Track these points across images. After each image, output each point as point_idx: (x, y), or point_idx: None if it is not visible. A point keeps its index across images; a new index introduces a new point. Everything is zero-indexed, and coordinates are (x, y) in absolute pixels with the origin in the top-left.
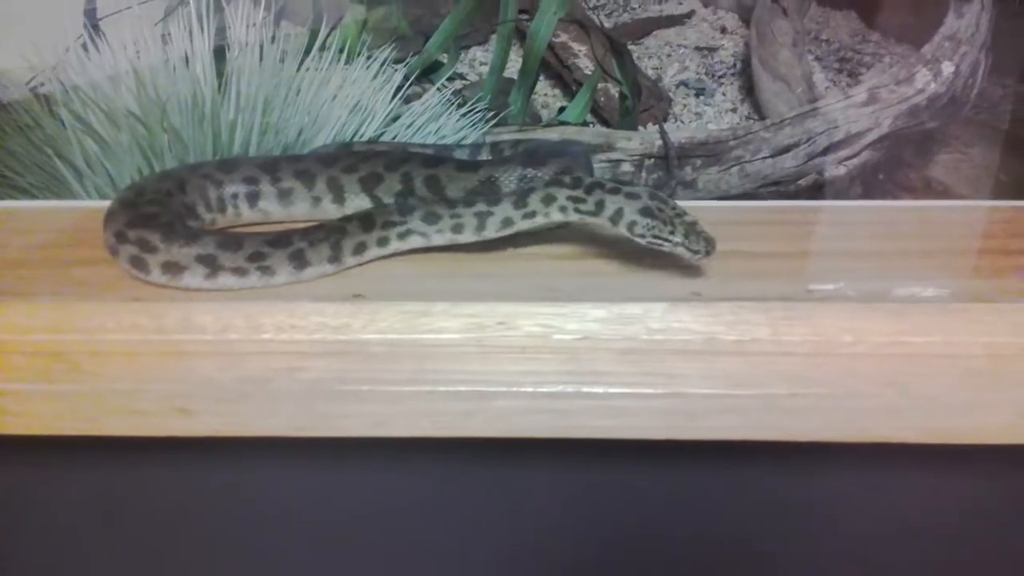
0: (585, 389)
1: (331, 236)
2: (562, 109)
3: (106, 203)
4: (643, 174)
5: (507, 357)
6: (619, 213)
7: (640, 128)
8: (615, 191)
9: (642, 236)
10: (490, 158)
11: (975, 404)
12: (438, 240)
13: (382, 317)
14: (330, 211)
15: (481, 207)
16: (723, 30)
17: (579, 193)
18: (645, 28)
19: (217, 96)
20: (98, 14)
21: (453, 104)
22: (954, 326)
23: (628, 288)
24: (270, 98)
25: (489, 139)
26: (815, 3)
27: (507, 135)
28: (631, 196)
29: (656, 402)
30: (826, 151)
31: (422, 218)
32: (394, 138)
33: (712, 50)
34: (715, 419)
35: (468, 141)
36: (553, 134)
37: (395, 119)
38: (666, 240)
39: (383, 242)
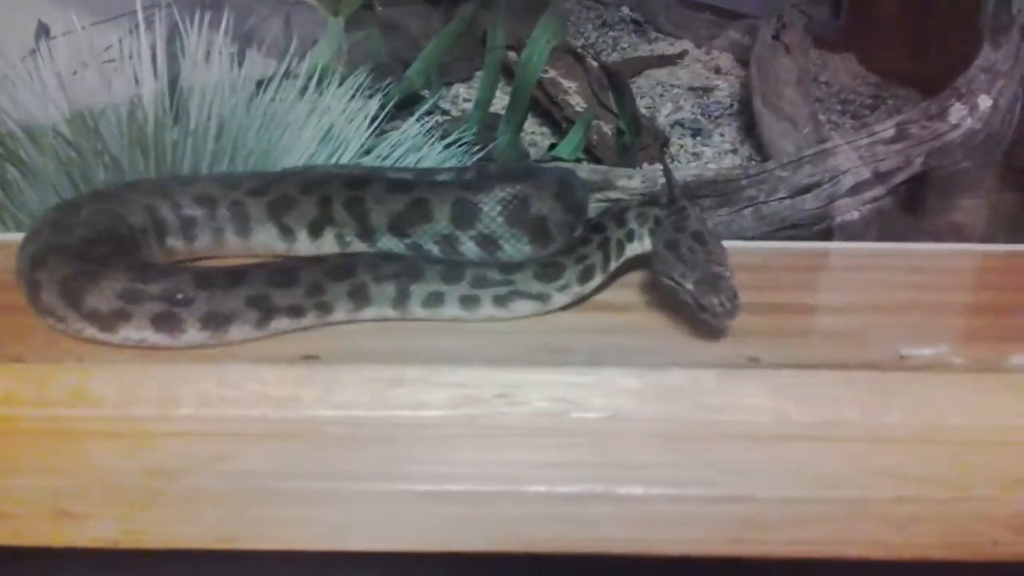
0: (617, 489)
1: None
2: (552, 146)
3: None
4: None
5: (510, 443)
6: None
7: (638, 167)
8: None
9: (657, 271)
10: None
11: None
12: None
13: (341, 387)
14: (232, 244)
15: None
16: (717, 70)
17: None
18: (636, 68)
19: (164, 117)
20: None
21: (435, 136)
22: None
23: (664, 349)
24: (226, 123)
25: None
26: (813, 46)
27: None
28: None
29: (712, 508)
30: (852, 191)
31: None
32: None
33: (707, 90)
34: (792, 531)
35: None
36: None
37: (369, 151)
38: (676, 284)
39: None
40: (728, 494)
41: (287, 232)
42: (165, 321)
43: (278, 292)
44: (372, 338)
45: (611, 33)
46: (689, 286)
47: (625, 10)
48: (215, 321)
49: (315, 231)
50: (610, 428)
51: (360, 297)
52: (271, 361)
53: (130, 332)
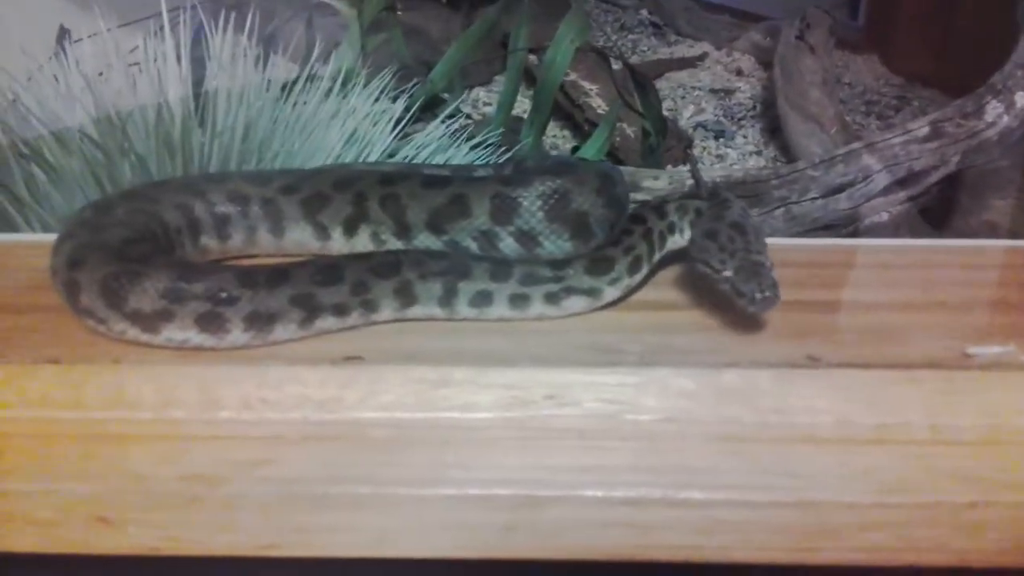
0: (676, 494)
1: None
2: (575, 149)
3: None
4: None
5: (560, 446)
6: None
7: (664, 168)
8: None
9: (695, 259)
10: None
11: None
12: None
13: (385, 388)
14: (266, 243)
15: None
16: (739, 72)
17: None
18: (657, 70)
19: (190, 119)
20: (73, 37)
21: (461, 138)
22: None
23: (717, 348)
24: (252, 124)
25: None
26: (835, 47)
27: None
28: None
29: (775, 513)
30: (886, 191)
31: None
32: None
33: (729, 92)
34: (858, 537)
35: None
36: None
37: (393, 154)
38: (713, 271)
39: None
40: (790, 499)
41: (321, 230)
42: (209, 321)
43: (323, 290)
44: (417, 337)
45: (630, 36)
46: (727, 273)
47: (644, 13)
48: (259, 321)
49: (350, 229)
50: (665, 430)
51: (406, 295)
52: (313, 362)
53: (173, 333)
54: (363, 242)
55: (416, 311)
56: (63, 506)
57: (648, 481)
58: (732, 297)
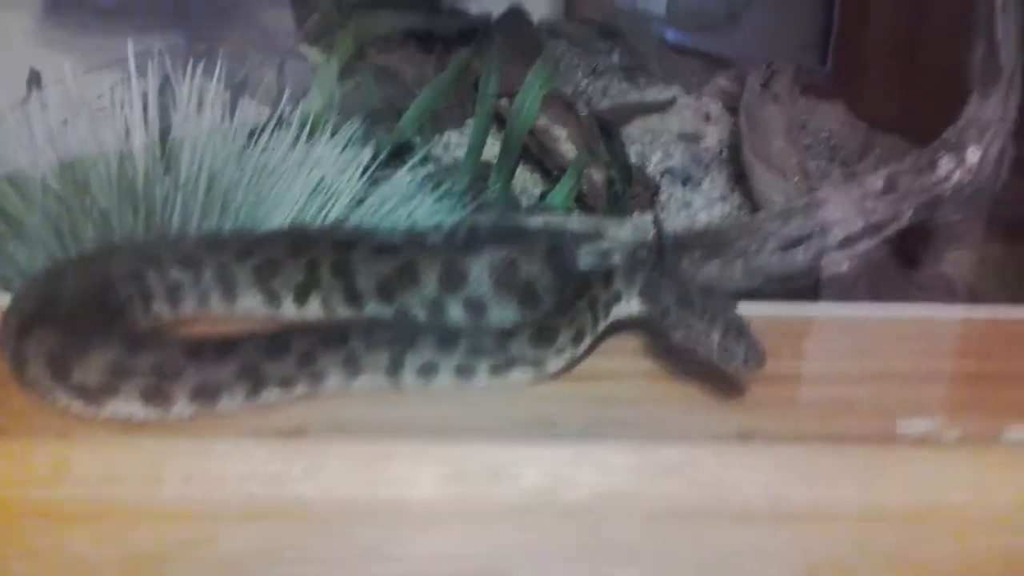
0: (610, 571)
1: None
2: (543, 195)
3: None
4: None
5: (499, 523)
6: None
7: (629, 216)
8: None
9: (674, 328)
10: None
11: None
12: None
13: (328, 463)
14: (217, 309)
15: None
16: (707, 117)
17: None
18: (626, 114)
19: (154, 171)
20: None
21: (427, 186)
22: None
23: (658, 421)
24: (217, 175)
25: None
26: (801, 93)
27: (486, 220)
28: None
29: None
30: (842, 244)
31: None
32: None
33: (697, 138)
34: None
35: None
36: (536, 221)
37: (361, 201)
38: (698, 336)
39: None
40: None
41: (273, 297)
42: (154, 394)
43: (269, 363)
44: (362, 407)
45: (601, 79)
46: (715, 337)
47: (615, 56)
48: (205, 393)
49: (301, 296)
50: (603, 507)
51: (353, 366)
52: (257, 435)
53: (118, 406)
54: (314, 309)
55: (363, 381)
56: None
57: (582, 559)
58: (720, 361)
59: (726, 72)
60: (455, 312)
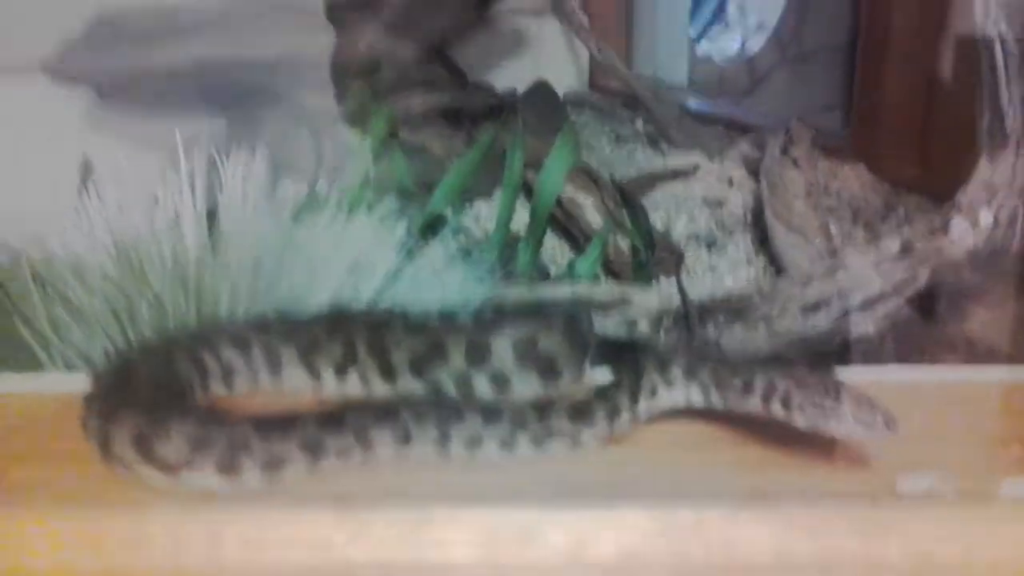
0: None
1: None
2: (571, 264)
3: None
4: (661, 332)
5: None
6: (771, 389)
7: (654, 282)
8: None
9: (800, 409)
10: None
11: None
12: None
13: (371, 529)
14: (265, 385)
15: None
16: (730, 182)
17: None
18: (651, 182)
19: (204, 258)
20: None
21: (457, 259)
22: None
23: (673, 482)
24: (262, 259)
25: (495, 299)
26: (823, 155)
27: (515, 291)
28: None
29: None
30: (862, 307)
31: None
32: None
33: (721, 203)
34: None
35: (474, 300)
36: (563, 291)
37: (396, 274)
38: (831, 416)
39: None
40: None
41: (315, 373)
42: (228, 466)
43: (327, 436)
44: (406, 474)
45: (625, 147)
46: (847, 413)
47: (639, 124)
48: (271, 464)
49: (340, 371)
50: (622, 565)
51: (403, 438)
52: (308, 503)
53: (195, 478)
54: (352, 383)
55: (413, 451)
56: None
57: None
58: (859, 433)
59: (748, 137)
60: (481, 385)
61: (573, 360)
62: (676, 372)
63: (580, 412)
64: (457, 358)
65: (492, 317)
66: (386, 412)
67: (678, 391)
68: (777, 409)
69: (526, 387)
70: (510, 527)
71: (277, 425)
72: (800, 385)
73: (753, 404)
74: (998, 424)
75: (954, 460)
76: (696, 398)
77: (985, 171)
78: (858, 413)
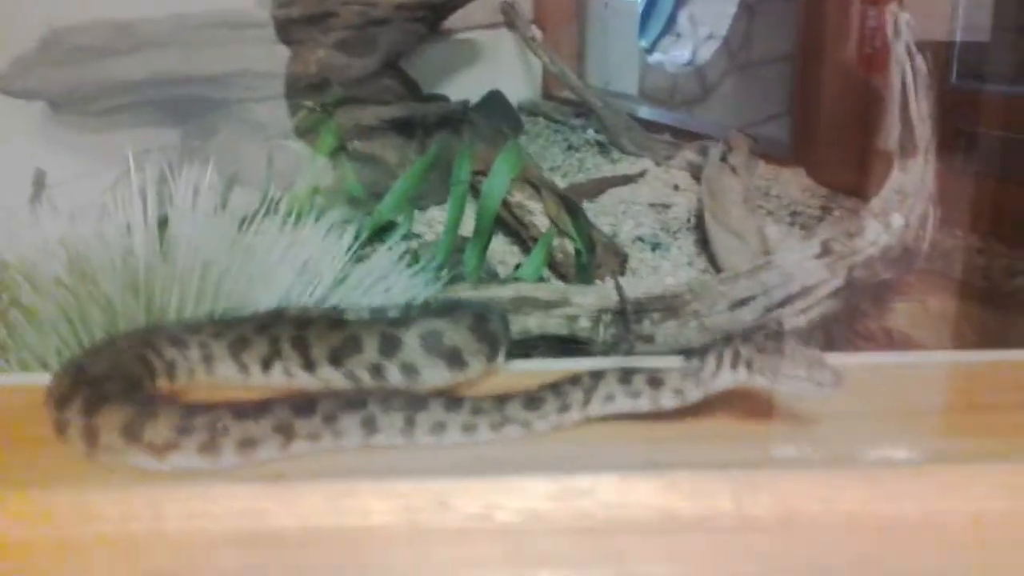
0: (532, 574)
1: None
2: (519, 266)
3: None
4: (600, 328)
5: (442, 543)
6: (737, 357)
7: (597, 283)
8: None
9: (761, 372)
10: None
11: None
12: (542, 428)
13: (302, 500)
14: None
15: (587, 383)
16: (676, 188)
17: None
18: (600, 187)
19: (154, 264)
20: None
21: (403, 263)
22: (931, 491)
23: (577, 456)
24: (211, 263)
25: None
26: (764, 161)
27: (463, 292)
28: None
29: None
30: (783, 303)
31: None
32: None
33: (666, 207)
34: None
35: (418, 300)
36: (508, 291)
37: (343, 280)
38: (792, 376)
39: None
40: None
41: (243, 367)
42: (208, 447)
43: (298, 420)
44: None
45: (577, 154)
46: (802, 373)
47: (590, 132)
48: (247, 445)
49: (266, 365)
50: (528, 526)
51: (371, 426)
52: (247, 480)
53: (179, 459)
54: (277, 375)
55: (380, 439)
56: None
57: (508, 567)
58: (807, 390)
59: (693, 145)
60: (392, 375)
61: (481, 352)
62: (639, 381)
63: (534, 402)
64: (371, 350)
65: (408, 313)
66: (354, 400)
67: (643, 399)
68: (742, 374)
69: (434, 376)
70: (425, 495)
71: (251, 410)
72: (760, 350)
73: (724, 379)
74: (879, 401)
75: (829, 432)
76: (668, 402)
77: (897, 179)
78: (811, 372)
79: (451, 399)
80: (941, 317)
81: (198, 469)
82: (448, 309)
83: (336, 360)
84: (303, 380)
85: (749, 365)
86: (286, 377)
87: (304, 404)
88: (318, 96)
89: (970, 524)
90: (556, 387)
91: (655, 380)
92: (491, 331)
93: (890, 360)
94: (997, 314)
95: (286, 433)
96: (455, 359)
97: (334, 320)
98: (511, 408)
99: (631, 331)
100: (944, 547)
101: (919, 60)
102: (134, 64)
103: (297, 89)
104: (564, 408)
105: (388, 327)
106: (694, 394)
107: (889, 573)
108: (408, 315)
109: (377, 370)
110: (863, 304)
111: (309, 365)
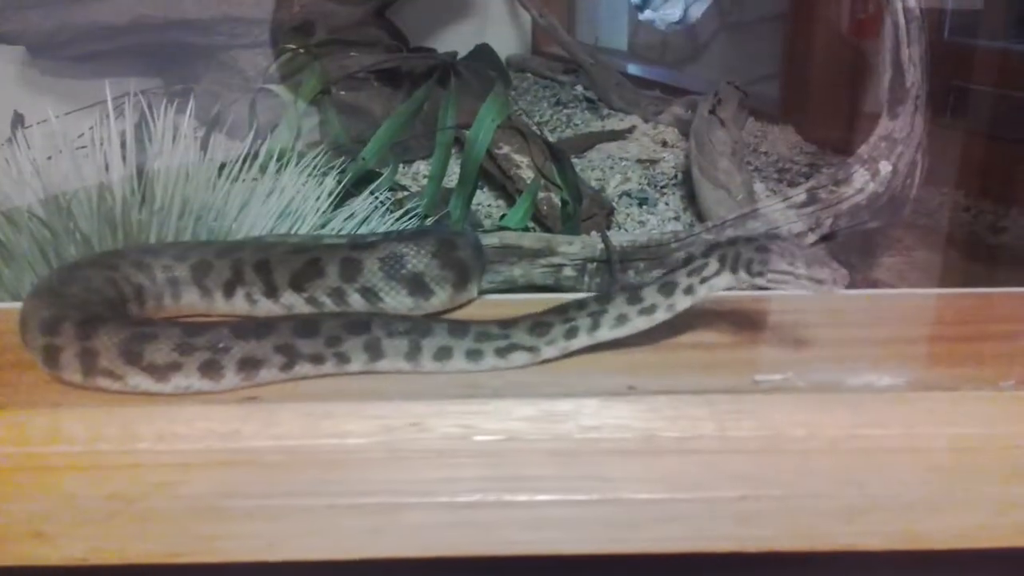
0: (510, 497)
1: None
2: (503, 216)
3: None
4: (586, 278)
5: (419, 463)
6: (738, 258)
7: (583, 235)
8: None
9: (760, 274)
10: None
11: (942, 503)
12: (549, 353)
13: (278, 421)
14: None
15: (594, 307)
16: (664, 143)
17: (699, 263)
18: (588, 142)
19: (131, 199)
20: (26, 123)
21: (386, 209)
22: (914, 417)
23: (557, 383)
24: (189, 202)
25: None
26: (753, 118)
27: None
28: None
29: (591, 510)
30: None
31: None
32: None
33: (653, 162)
34: (657, 529)
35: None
36: (492, 239)
37: (324, 226)
38: (787, 273)
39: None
40: (602, 498)
41: (206, 292)
42: (209, 368)
43: (301, 341)
44: (307, 383)
45: (566, 110)
46: (802, 271)
47: (579, 88)
48: (249, 366)
49: (228, 291)
50: (505, 448)
51: (375, 350)
52: (219, 403)
53: (180, 380)
54: (239, 301)
55: (384, 365)
56: (5, 523)
57: (486, 488)
58: (813, 287)
59: (682, 101)
60: (354, 299)
61: (445, 279)
62: (650, 294)
63: (540, 327)
64: (332, 274)
65: (373, 239)
66: (358, 323)
67: (660, 312)
68: (744, 277)
69: (397, 303)
70: (403, 418)
71: (253, 329)
72: (759, 249)
73: (726, 280)
74: (865, 332)
75: (814, 359)
76: (682, 303)
77: (885, 126)
78: (811, 271)
79: (455, 324)
80: (926, 270)
81: (198, 391)
82: (417, 235)
83: (298, 285)
84: (265, 307)
85: (749, 266)
86: (249, 303)
87: (307, 325)
88: (302, 39)
89: (950, 449)
90: (563, 310)
91: (667, 286)
92: (458, 258)
93: (878, 294)
94: (981, 268)
95: (288, 354)
96: (418, 285)
97: (297, 245)
98: (516, 333)
99: (617, 280)
100: (925, 471)
101: (912, 4)
102: (116, 9)
103: (282, 34)
104: (572, 334)
105: (350, 251)
106: (701, 292)
107: (872, 498)
108: (370, 241)
109: (338, 294)
110: (851, 257)
111: (271, 290)
